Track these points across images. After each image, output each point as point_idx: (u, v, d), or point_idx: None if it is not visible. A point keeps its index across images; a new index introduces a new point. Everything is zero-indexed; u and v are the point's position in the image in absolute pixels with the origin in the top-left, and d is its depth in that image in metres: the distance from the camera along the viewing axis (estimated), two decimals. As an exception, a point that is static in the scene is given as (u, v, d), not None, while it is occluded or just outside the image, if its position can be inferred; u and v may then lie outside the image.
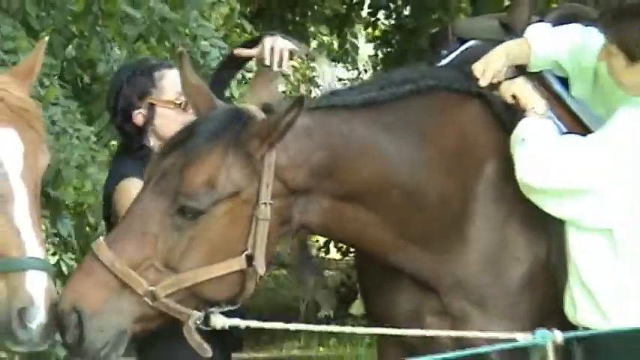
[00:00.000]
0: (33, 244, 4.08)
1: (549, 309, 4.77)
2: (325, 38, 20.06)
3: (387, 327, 4.81)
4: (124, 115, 5.24)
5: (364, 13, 16.68)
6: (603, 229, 4.51)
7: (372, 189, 4.61)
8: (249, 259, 4.37)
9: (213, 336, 4.60)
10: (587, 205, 4.51)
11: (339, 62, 21.42)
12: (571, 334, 4.21)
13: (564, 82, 5.06)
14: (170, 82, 5.22)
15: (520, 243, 4.75)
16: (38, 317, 4.01)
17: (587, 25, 5.15)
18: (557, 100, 5.05)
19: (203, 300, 4.39)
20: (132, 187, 4.88)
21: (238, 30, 10.67)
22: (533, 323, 4.62)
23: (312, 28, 18.50)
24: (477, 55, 5.00)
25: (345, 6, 15.70)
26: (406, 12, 16.16)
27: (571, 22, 5.35)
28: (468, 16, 14.72)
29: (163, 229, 4.33)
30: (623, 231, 4.48)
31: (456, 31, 5.47)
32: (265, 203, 4.37)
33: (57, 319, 4.18)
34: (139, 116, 5.21)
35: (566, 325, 4.57)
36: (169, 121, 5.14)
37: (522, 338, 4.18)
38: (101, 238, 4.39)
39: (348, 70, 22.26)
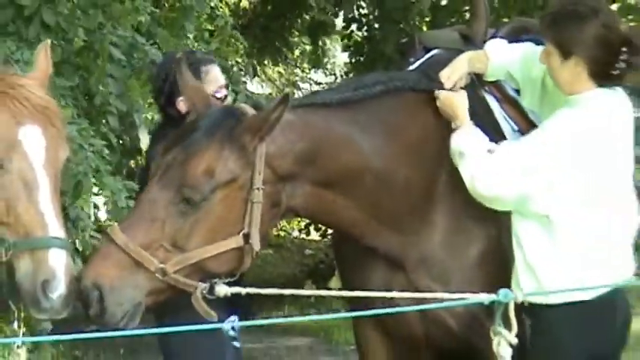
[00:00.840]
0: (55, 226, 4.08)
1: (499, 286, 4.68)
2: (307, 47, 20.14)
3: (361, 302, 4.84)
4: (167, 100, 5.27)
5: (339, 25, 16.66)
6: (543, 215, 4.49)
7: (347, 176, 4.64)
8: (246, 237, 4.42)
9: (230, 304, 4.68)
10: (531, 197, 4.47)
11: (318, 68, 21.52)
12: (531, 293, 4.26)
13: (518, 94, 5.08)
14: (214, 77, 5.24)
15: (476, 226, 4.76)
16: (59, 288, 4.02)
17: (535, 36, 5.18)
18: (512, 104, 5.07)
19: (207, 274, 4.43)
20: None
21: (233, 40, 10.69)
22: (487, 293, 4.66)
23: (295, 39, 18.54)
24: (440, 61, 5.05)
25: (326, 12, 15.67)
26: (376, 25, 16.18)
27: (522, 34, 5.38)
28: (428, 26, 14.75)
29: (170, 215, 4.36)
30: (561, 218, 4.46)
31: (422, 41, 5.51)
32: (258, 188, 4.40)
33: (80, 295, 4.22)
34: (181, 103, 5.19)
35: None
36: None
37: (487, 297, 4.25)
38: (115, 224, 4.41)
39: (326, 76, 22.32)
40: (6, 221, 4.08)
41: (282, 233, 19.83)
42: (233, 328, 4.16)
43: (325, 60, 21.07)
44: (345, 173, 4.64)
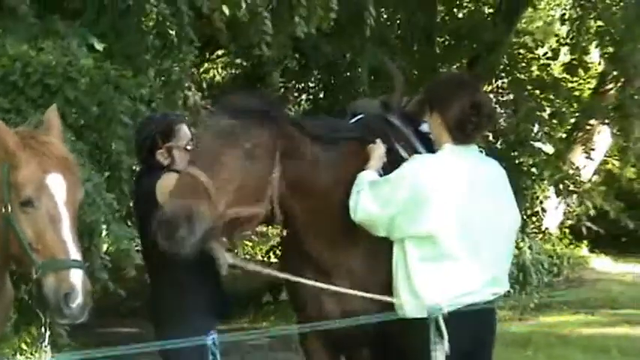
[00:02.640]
0: (74, 251, 4.14)
1: None
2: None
3: (299, 305, 4.91)
4: (149, 152, 5.26)
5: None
6: (398, 239, 4.53)
7: (302, 185, 4.68)
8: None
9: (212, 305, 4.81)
10: (392, 223, 4.52)
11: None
12: (455, 307, 4.22)
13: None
14: (184, 133, 5.25)
15: (388, 247, 4.68)
16: (78, 299, 4.06)
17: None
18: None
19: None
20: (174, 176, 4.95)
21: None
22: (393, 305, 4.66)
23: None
24: (363, 123, 5.20)
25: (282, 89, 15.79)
26: (321, 95, 16.31)
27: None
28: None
29: (234, 168, 4.39)
30: (411, 242, 4.48)
31: (351, 108, 5.62)
32: None
33: (168, 221, 4.27)
34: (160, 156, 5.21)
35: None
36: (179, 160, 5.16)
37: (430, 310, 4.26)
38: (189, 167, 4.44)
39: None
40: (36, 247, 4.13)
41: (248, 257, 19.81)
42: (214, 343, 4.14)
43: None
44: (302, 182, 4.67)
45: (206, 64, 17.67)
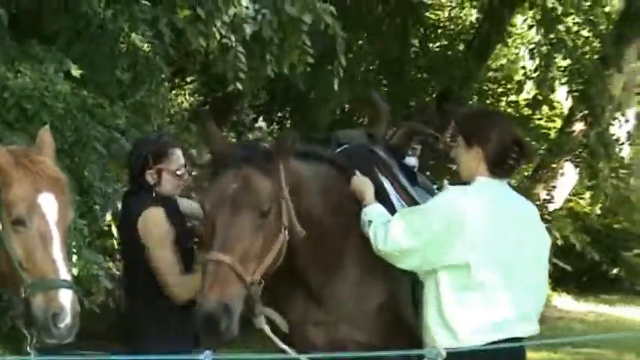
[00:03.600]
0: (64, 271, 4.15)
1: (397, 329, 4.81)
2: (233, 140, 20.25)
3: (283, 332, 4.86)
4: (140, 172, 5.28)
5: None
6: (430, 271, 4.51)
7: (308, 218, 4.69)
8: (285, 229, 4.54)
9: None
10: (421, 257, 4.51)
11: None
12: (451, 349, 4.21)
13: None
14: (177, 157, 5.28)
15: (381, 278, 4.76)
16: (66, 320, 4.07)
17: (422, 138, 5.38)
18: (402, 189, 5.27)
19: (270, 270, 4.50)
20: (158, 213, 5.02)
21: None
22: (384, 337, 4.74)
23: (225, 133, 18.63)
24: (348, 153, 5.24)
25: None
26: (288, 124, 16.37)
27: (410, 136, 5.60)
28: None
29: (252, 232, 4.37)
30: (444, 271, 4.46)
31: (336, 137, 5.61)
32: (284, 187, 4.58)
33: (210, 314, 4.20)
34: (149, 176, 5.25)
35: (412, 342, 4.62)
36: (167, 183, 5.24)
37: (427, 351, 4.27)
38: (212, 252, 4.35)
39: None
40: (25, 267, 4.14)
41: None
42: None
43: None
44: (304, 213, 4.68)
45: (174, 91, 17.67)
